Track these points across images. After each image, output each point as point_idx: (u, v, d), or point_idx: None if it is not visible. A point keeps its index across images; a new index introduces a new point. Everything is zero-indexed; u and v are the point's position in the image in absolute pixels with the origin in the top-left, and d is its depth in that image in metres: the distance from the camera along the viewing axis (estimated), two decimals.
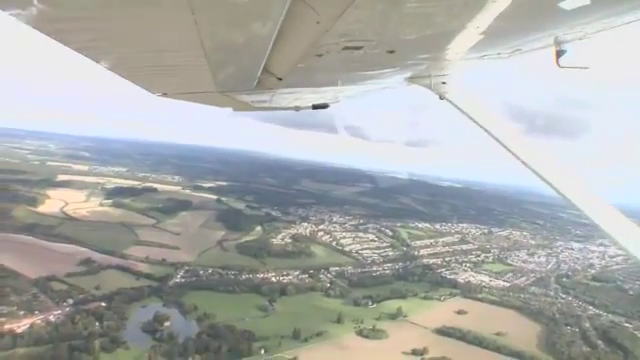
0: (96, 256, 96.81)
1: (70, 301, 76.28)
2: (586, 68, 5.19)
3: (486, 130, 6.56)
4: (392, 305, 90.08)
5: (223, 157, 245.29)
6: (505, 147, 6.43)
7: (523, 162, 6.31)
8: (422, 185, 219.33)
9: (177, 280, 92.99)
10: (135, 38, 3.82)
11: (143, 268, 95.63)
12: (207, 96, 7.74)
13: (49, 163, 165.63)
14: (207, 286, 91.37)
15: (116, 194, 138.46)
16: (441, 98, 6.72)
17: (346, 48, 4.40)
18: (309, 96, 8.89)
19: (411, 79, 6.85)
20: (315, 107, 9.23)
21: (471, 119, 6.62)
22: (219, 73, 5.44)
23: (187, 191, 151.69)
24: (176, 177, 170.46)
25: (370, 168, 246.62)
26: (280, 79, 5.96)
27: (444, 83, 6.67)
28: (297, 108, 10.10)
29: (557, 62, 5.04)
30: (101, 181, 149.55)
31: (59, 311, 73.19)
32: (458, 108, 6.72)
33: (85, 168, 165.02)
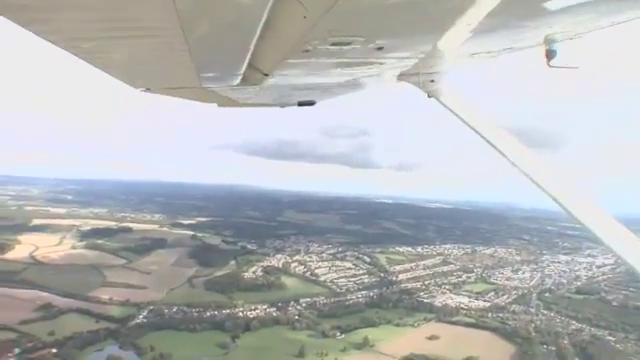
0: (57, 300, 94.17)
1: (16, 351, 73.35)
2: (576, 68, 5.03)
3: (474, 129, 6.46)
4: (362, 334, 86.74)
5: (209, 192, 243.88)
6: (494, 147, 6.31)
7: (512, 162, 6.17)
8: (409, 208, 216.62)
9: (138, 320, 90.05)
10: (116, 31, 3.69)
11: (105, 310, 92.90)
12: (191, 91, 7.72)
13: (27, 208, 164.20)
14: (169, 325, 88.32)
15: (90, 236, 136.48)
16: (429, 96, 6.67)
17: (334, 44, 4.33)
18: (295, 92, 8.83)
19: (400, 77, 6.80)
20: (301, 104, 9.42)
21: (459, 117, 6.55)
22: (203, 68, 5.34)
23: (164, 229, 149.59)
24: (156, 215, 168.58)
25: (357, 194, 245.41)
26: (266, 75, 5.90)
27: (432, 81, 6.62)
28: (283, 105, 10.08)
29: (547, 61, 4.94)
30: (77, 223, 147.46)
31: None
32: (446, 107, 6.65)
33: (63, 211, 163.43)
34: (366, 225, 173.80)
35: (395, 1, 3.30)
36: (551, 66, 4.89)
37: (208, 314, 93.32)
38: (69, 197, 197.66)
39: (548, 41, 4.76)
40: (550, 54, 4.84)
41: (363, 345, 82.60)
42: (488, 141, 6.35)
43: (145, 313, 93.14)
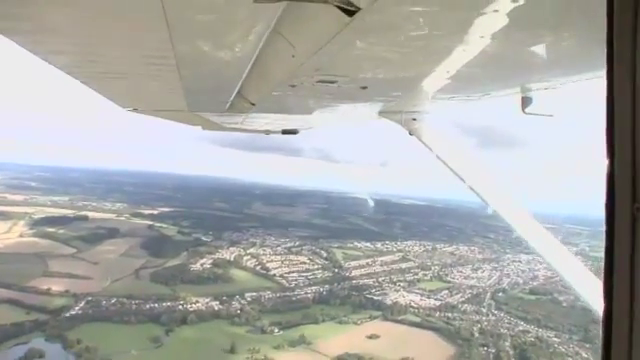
0: None
1: None
2: (550, 116, 5.26)
3: (452, 170, 6.75)
4: (300, 331, 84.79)
5: (181, 183, 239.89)
6: (471, 188, 6.67)
7: (485, 202, 6.56)
8: (381, 204, 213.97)
9: (73, 312, 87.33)
10: (110, 54, 3.82)
11: (40, 301, 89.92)
12: (177, 114, 7.92)
13: None
14: (104, 317, 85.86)
15: (42, 224, 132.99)
16: (411, 134, 6.96)
17: (320, 81, 4.48)
18: (280, 122, 8.99)
19: (382, 114, 6.99)
20: (285, 132, 9.66)
21: (438, 157, 6.87)
22: (192, 94, 5.45)
23: (122, 218, 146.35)
24: (117, 204, 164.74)
25: (330, 189, 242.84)
26: (253, 104, 6.01)
27: (414, 120, 6.90)
28: (267, 132, 10.32)
29: (522, 108, 5.17)
30: (32, 211, 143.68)
31: None
32: (426, 145, 6.93)
33: (20, 198, 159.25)
34: (333, 220, 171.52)
35: (379, 49, 3.39)
36: (526, 113, 5.06)
37: (147, 306, 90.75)
38: (33, 184, 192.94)
39: (524, 90, 4.93)
40: (525, 102, 5.03)
41: (299, 342, 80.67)
42: (464, 180, 6.58)
43: (82, 304, 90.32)
